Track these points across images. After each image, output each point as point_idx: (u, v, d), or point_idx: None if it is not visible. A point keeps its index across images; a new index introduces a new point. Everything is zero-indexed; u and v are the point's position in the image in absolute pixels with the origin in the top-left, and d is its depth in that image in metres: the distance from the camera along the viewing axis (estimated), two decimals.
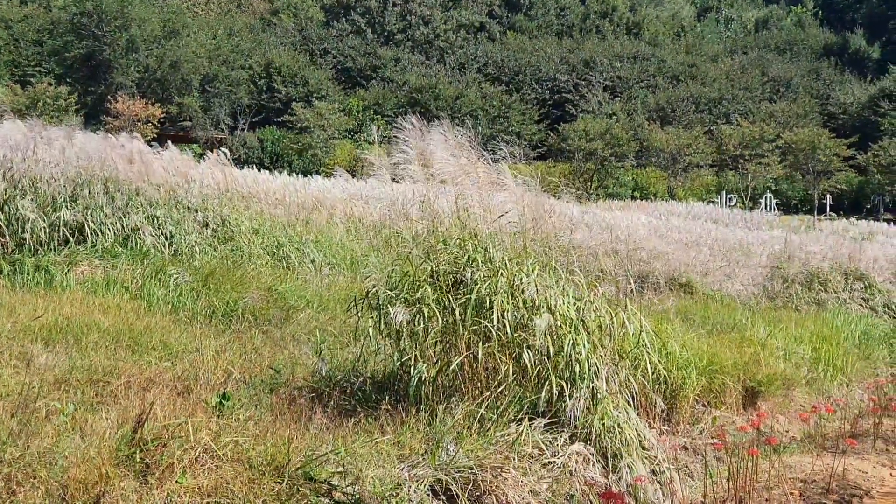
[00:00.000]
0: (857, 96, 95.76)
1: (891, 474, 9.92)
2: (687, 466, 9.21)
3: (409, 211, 8.98)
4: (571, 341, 7.76)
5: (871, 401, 12.71)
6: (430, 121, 9.33)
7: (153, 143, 19.29)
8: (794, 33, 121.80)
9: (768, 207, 67.70)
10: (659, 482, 7.82)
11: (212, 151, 19.29)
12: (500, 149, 9.40)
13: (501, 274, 8.00)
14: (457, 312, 7.86)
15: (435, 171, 8.57)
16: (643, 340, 8.43)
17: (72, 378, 7.71)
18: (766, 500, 8.47)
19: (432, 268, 8.26)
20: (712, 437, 9.76)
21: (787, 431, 11.64)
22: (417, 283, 8.19)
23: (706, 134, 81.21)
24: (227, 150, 19.26)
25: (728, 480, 8.31)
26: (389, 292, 8.29)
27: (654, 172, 78.53)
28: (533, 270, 8.07)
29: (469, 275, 7.98)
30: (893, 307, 21.75)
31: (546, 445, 7.32)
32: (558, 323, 7.89)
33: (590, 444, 7.56)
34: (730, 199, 70.38)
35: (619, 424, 7.70)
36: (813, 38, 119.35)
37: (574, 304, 8.07)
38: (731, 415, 11.23)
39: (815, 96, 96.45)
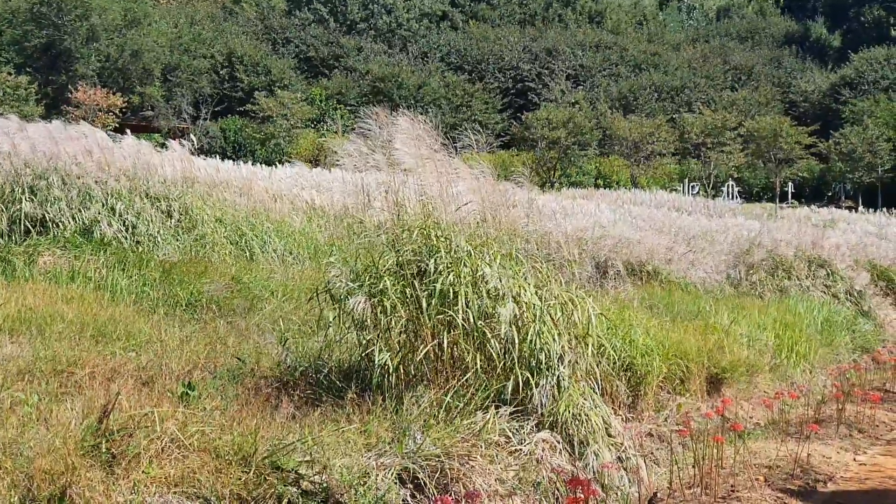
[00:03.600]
0: (818, 84, 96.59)
1: (854, 459, 10.03)
2: (653, 453, 9.27)
3: (372, 200, 8.94)
4: (536, 330, 7.77)
5: (834, 387, 12.84)
6: (393, 110, 9.30)
7: (115, 133, 19.13)
8: (756, 21, 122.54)
9: (731, 195, 68.17)
10: (625, 469, 7.86)
11: (174, 140, 19.15)
12: (463, 138, 9.40)
13: (465, 263, 7.98)
14: (422, 302, 7.84)
15: (397, 160, 8.54)
16: (603, 328, 8.46)
17: (36, 369, 7.65)
18: (732, 485, 8.53)
19: (396, 258, 8.24)
20: (677, 424, 9.80)
21: (751, 418, 11.74)
22: (380, 274, 8.17)
23: (668, 122, 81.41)
24: (193, 138, 19.15)
25: (694, 467, 8.37)
26: (351, 283, 8.25)
27: (617, 161, 78.71)
28: (496, 259, 8.07)
29: (432, 264, 7.96)
30: (855, 294, 21.91)
31: (512, 433, 7.34)
32: (522, 311, 7.89)
33: (556, 432, 7.58)
34: (692, 187, 70.83)
35: (584, 412, 7.72)
36: (774, 27, 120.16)
37: (537, 292, 8.07)
38: (695, 401, 11.30)
39: (776, 84, 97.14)
